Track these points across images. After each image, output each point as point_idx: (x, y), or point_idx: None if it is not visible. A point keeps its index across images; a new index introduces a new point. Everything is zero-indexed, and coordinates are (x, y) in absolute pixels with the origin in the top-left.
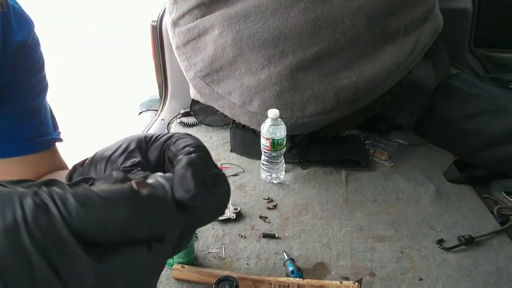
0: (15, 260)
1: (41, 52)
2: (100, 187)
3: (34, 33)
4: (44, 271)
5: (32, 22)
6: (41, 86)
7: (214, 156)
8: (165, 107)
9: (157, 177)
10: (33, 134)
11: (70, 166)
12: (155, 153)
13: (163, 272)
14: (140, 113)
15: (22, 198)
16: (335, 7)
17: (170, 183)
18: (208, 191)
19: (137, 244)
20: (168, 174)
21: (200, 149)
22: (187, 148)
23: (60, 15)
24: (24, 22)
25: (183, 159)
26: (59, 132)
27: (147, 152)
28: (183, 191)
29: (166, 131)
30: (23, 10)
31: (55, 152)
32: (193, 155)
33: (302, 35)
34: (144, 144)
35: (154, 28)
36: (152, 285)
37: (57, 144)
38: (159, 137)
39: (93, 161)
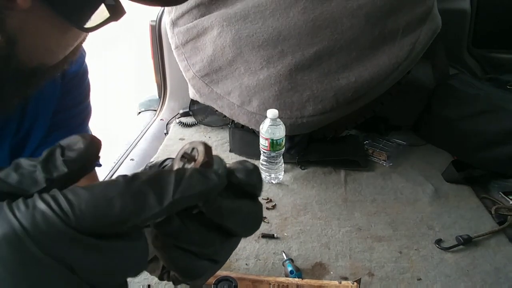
0: (28, 268)
1: (88, 80)
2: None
3: (85, 63)
4: (59, 272)
5: (85, 52)
6: (86, 113)
7: None
8: (164, 107)
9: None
10: None
11: None
12: None
13: None
14: (139, 113)
15: (12, 206)
16: (334, 7)
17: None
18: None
19: (134, 233)
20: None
21: None
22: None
23: None
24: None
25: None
26: (99, 157)
27: None
28: (242, 170)
29: (165, 131)
30: None
31: (94, 177)
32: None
33: (301, 35)
34: None
35: (153, 28)
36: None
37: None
38: None
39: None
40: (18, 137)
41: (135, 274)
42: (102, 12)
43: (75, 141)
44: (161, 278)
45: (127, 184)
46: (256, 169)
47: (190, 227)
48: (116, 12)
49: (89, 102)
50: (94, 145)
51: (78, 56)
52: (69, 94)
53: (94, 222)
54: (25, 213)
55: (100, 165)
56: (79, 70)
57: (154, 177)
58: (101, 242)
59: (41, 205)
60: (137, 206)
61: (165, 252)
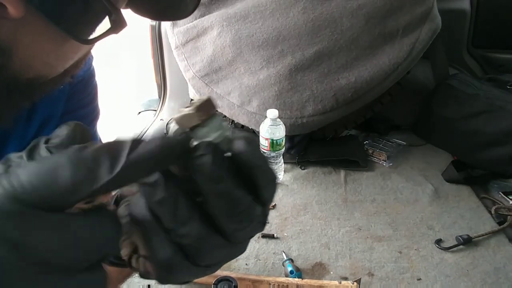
0: None
1: (96, 82)
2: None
3: (92, 66)
4: (5, 252)
5: (92, 56)
6: (93, 115)
7: None
8: (164, 107)
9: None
10: None
11: None
12: None
13: None
14: (139, 113)
15: None
16: (334, 7)
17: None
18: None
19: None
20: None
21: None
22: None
23: None
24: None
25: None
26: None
27: None
28: (240, 142)
29: (165, 131)
30: None
31: None
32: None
33: (301, 35)
34: None
35: (153, 28)
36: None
37: None
38: None
39: None
40: (25, 142)
41: (95, 249)
42: (102, 24)
43: (60, 130)
44: (128, 261)
45: (78, 152)
46: (258, 145)
47: (183, 213)
48: (117, 24)
49: (97, 104)
50: (77, 130)
51: (81, 69)
52: (76, 96)
53: (40, 194)
54: None
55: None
56: (86, 72)
57: (109, 144)
58: (49, 215)
59: None
60: (87, 174)
61: (145, 237)
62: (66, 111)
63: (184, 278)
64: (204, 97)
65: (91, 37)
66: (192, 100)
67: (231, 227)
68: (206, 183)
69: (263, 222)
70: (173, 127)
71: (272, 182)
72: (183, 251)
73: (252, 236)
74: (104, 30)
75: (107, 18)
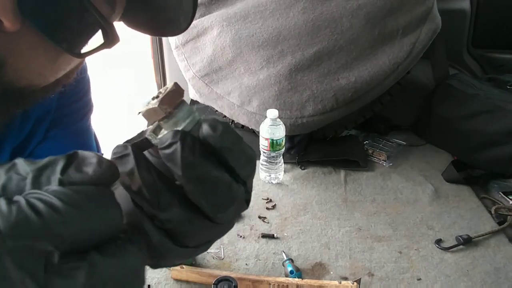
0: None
1: (88, 77)
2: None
3: (83, 60)
4: None
5: None
6: (86, 109)
7: None
8: None
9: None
10: None
11: None
12: None
13: (161, 273)
14: (139, 113)
15: None
16: (334, 7)
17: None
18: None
19: (118, 241)
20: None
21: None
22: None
23: None
24: None
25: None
26: (102, 154)
27: None
28: (209, 128)
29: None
30: None
31: None
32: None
33: (301, 35)
34: None
35: None
36: (142, 278)
37: None
38: None
39: None
40: (19, 139)
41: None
42: (96, 38)
43: (87, 160)
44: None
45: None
46: (227, 126)
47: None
48: (110, 39)
49: (90, 98)
50: (107, 172)
51: (73, 78)
52: (69, 91)
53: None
54: (7, 214)
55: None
56: None
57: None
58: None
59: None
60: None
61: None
62: (59, 105)
63: (175, 260)
64: (170, 86)
65: (84, 51)
66: (160, 91)
67: (213, 209)
68: (178, 171)
69: (246, 199)
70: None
71: (248, 159)
72: (169, 235)
73: (237, 215)
74: (97, 45)
75: (100, 32)
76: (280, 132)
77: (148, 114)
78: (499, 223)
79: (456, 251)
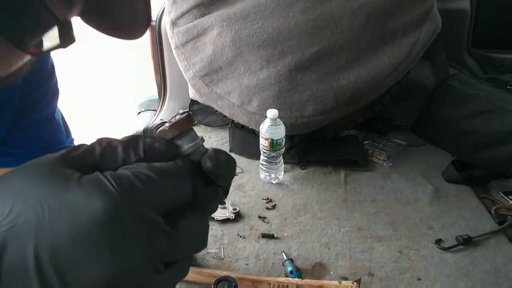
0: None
1: (52, 61)
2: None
3: None
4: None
5: None
6: (52, 94)
7: None
8: (164, 107)
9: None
10: (48, 143)
11: None
12: None
13: None
14: (139, 113)
15: (105, 186)
16: (334, 7)
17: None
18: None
19: (190, 208)
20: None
21: None
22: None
23: None
24: None
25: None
26: (73, 139)
27: None
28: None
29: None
30: None
31: None
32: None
33: (301, 35)
34: None
35: (153, 28)
36: (205, 244)
37: None
38: None
39: None
40: None
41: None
42: (52, 37)
43: (155, 142)
44: None
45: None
46: (227, 160)
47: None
48: (65, 39)
49: (55, 82)
50: (173, 150)
51: (27, 70)
52: (31, 78)
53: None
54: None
55: None
56: None
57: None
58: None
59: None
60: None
61: None
62: (23, 93)
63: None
64: (184, 115)
65: (40, 47)
66: (174, 116)
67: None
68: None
69: (226, 192)
70: None
71: (229, 175)
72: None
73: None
74: (52, 44)
75: (56, 31)
76: (280, 132)
77: (159, 135)
78: (499, 223)
79: (456, 251)
